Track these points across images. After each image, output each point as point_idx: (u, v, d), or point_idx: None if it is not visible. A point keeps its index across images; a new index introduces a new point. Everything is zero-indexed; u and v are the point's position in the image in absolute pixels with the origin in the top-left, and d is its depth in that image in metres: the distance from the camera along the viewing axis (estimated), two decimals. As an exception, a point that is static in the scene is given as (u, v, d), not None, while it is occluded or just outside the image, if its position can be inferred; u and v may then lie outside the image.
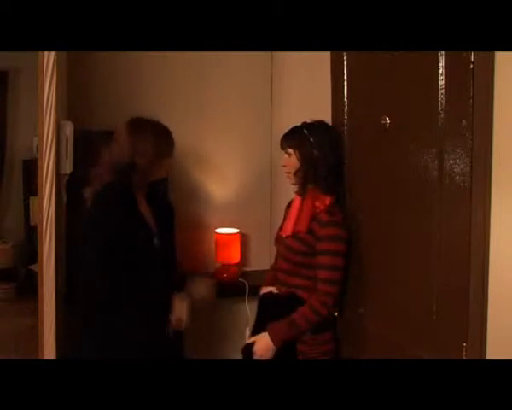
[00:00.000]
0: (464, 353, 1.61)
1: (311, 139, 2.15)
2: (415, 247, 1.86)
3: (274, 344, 2.08)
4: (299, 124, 2.24)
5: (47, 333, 2.38)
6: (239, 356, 2.25)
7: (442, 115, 1.70)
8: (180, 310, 2.15)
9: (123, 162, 2.17)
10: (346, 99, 2.25)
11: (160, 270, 2.22)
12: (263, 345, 2.10)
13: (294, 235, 2.16)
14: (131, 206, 2.19)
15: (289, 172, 2.21)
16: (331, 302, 2.08)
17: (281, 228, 2.31)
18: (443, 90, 1.69)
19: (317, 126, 2.20)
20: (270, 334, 2.09)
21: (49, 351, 2.38)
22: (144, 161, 2.17)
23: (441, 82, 1.70)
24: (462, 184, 1.62)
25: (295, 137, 2.19)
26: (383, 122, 1.97)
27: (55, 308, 2.38)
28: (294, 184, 2.22)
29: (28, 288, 3.88)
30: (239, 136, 3.19)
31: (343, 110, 2.26)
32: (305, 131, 2.17)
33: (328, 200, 2.11)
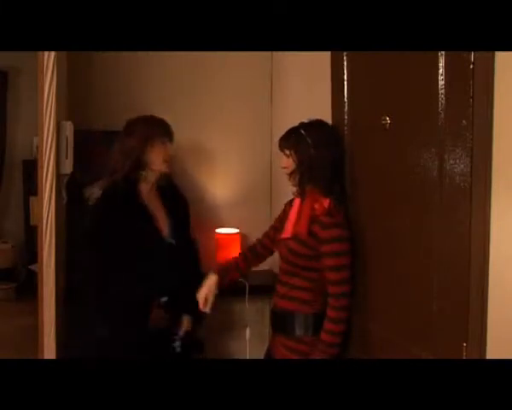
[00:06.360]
0: (464, 353, 1.60)
1: (308, 139, 2.13)
2: (415, 247, 1.85)
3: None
4: (298, 124, 2.23)
5: (47, 333, 2.38)
6: (238, 356, 2.25)
7: (442, 115, 1.69)
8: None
9: (120, 157, 2.17)
10: (346, 99, 2.25)
11: (171, 270, 2.22)
12: None
13: (295, 237, 2.16)
14: (133, 201, 2.18)
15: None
16: (346, 302, 2.05)
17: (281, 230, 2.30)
18: (443, 90, 1.69)
19: (314, 126, 2.19)
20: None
21: (49, 351, 2.38)
22: (133, 143, 2.17)
23: (441, 82, 1.69)
24: (462, 184, 1.62)
25: (292, 138, 2.18)
26: (383, 122, 1.96)
27: (55, 308, 2.38)
28: (294, 186, 2.22)
29: (28, 288, 3.89)
30: (239, 136, 3.19)
31: (343, 110, 2.26)
32: (302, 132, 2.16)
33: (326, 202, 2.09)
